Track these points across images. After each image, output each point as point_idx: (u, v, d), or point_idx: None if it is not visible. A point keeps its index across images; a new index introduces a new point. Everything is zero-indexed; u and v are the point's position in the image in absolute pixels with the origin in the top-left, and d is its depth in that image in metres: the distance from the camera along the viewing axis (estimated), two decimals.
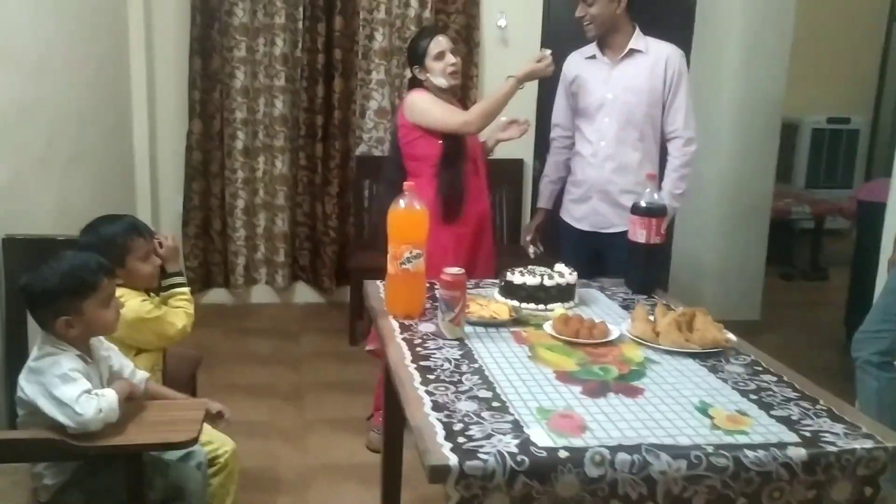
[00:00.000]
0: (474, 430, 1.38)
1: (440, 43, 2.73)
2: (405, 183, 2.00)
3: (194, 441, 1.63)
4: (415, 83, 2.81)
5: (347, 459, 2.88)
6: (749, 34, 4.11)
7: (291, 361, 3.75)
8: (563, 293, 2.14)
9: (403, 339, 1.86)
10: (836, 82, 6.92)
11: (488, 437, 1.36)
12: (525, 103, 3.97)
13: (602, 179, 2.77)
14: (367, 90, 4.20)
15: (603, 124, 2.75)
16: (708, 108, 3.99)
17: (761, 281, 4.50)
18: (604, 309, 2.16)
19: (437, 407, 1.48)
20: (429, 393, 1.55)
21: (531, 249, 2.96)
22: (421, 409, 1.47)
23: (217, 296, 4.40)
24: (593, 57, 2.80)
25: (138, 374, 1.82)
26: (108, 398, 1.57)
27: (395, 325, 1.96)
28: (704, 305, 2.26)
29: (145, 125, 3.98)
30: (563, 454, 1.31)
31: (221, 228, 4.26)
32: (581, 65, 2.83)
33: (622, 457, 1.32)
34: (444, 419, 1.43)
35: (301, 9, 4.07)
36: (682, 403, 1.54)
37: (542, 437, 1.37)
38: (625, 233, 2.74)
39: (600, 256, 2.84)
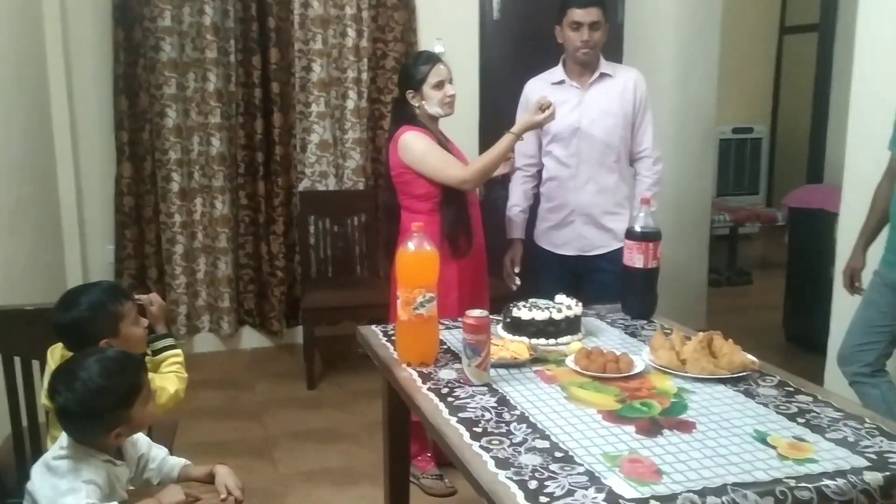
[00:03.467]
0: (552, 487, 1.31)
1: (440, 71, 2.62)
2: (414, 224, 1.90)
3: None
4: (400, 108, 2.69)
5: None
6: (681, 51, 4.23)
7: (251, 413, 3.55)
8: (572, 326, 2.09)
9: (429, 389, 1.76)
10: (738, 94, 7.27)
11: (570, 493, 1.29)
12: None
13: (585, 202, 2.77)
14: (307, 123, 4.06)
15: (581, 148, 2.76)
16: None
17: (705, 290, 4.63)
18: (611, 338, 2.13)
19: (500, 464, 1.40)
20: (484, 448, 1.46)
21: (517, 282, 2.91)
22: (486, 469, 1.38)
23: None
24: (561, 82, 2.80)
25: (170, 460, 1.65)
26: None
27: (415, 374, 1.85)
28: (656, 318, 2.28)
29: (70, 171, 3.71)
30: None
31: (158, 276, 4.01)
32: (547, 90, 2.80)
33: (712, 501, 1.27)
34: (515, 477, 1.34)
35: (233, 42, 3.90)
36: (739, 434, 1.52)
37: (623, 487, 1.31)
38: (607, 255, 2.76)
39: (581, 280, 2.83)
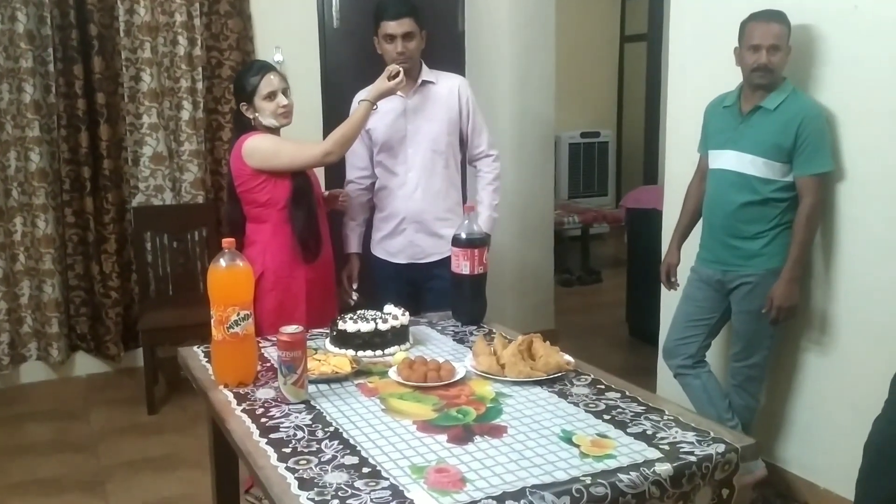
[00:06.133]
0: None
1: (271, 82, 2.55)
2: (225, 241, 1.83)
3: None
4: (239, 118, 2.64)
5: None
6: (517, 61, 4.35)
7: (83, 444, 3.32)
8: (399, 336, 2.09)
9: (244, 410, 1.70)
10: (584, 100, 7.58)
11: None
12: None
13: (415, 209, 2.78)
14: (139, 135, 3.86)
15: (408, 155, 2.77)
16: None
17: (552, 291, 4.76)
18: (439, 346, 2.14)
19: (304, 485, 1.36)
20: (290, 470, 1.42)
21: (355, 297, 2.88)
22: (288, 492, 1.34)
23: None
24: None
25: None
26: None
27: (230, 395, 1.79)
28: (506, 321, 2.34)
29: None
30: None
31: None
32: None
33: None
34: (317, 498, 1.31)
35: (51, 50, 3.65)
36: (546, 436, 1.55)
37: (426, 499, 1.30)
38: (441, 261, 2.78)
39: (418, 288, 2.83)
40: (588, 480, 1.36)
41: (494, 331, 2.22)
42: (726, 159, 2.64)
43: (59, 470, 3.11)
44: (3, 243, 3.71)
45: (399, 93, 2.71)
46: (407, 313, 2.14)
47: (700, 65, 3.06)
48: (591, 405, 1.70)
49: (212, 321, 1.83)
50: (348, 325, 2.05)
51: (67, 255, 3.84)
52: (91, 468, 3.12)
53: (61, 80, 3.69)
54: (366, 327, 2.04)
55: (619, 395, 1.76)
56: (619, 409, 1.67)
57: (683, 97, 3.15)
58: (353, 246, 2.91)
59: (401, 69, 2.61)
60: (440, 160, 2.78)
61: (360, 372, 1.90)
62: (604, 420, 1.62)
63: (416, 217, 2.79)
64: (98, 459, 3.20)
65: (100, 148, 3.76)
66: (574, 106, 7.25)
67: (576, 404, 1.71)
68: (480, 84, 4.14)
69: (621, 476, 1.37)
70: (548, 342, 1.94)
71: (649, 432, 1.55)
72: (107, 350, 3.93)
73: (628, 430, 1.56)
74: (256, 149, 2.54)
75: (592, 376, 1.88)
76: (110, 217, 3.83)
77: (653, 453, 1.46)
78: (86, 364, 4.02)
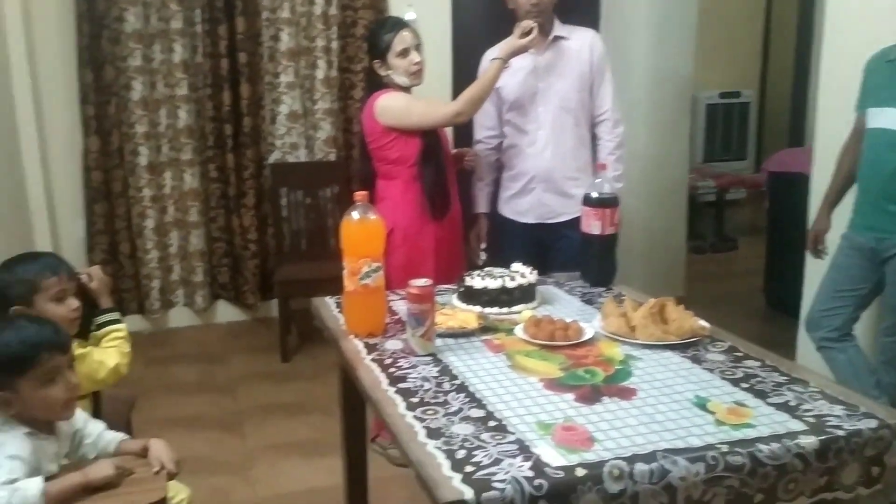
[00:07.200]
0: (480, 456, 1.28)
1: (405, 39, 2.58)
2: (358, 193, 1.86)
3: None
4: (373, 77, 2.68)
5: (299, 486, 2.72)
6: (656, 15, 4.16)
7: (224, 387, 3.54)
8: (526, 294, 2.06)
9: (373, 360, 1.74)
10: (725, 58, 7.16)
11: (497, 462, 1.27)
12: None
13: (545, 168, 2.73)
14: (276, 94, 4.00)
15: (538, 113, 2.71)
16: (621, 90, 3.99)
17: (683, 256, 4.59)
18: (566, 306, 2.10)
19: (431, 434, 1.37)
20: (418, 419, 1.44)
21: (483, 256, 2.88)
22: (416, 439, 1.36)
23: (131, 323, 4.02)
24: None
25: (107, 435, 1.63)
26: (23, 492, 1.36)
27: (360, 345, 1.83)
28: (634, 285, 2.25)
29: (35, 146, 3.65)
30: (580, 472, 1.23)
31: (131, 251, 3.97)
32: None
33: (640, 467, 1.25)
34: (444, 447, 1.32)
35: (199, 11, 3.83)
36: (679, 401, 1.49)
37: (553, 455, 1.29)
38: (570, 222, 2.72)
39: (546, 248, 2.79)
40: (725, 448, 1.30)
41: (624, 293, 2.16)
42: (887, 117, 2.42)
43: (203, 409, 3.32)
44: (155, 196, 3.96)
45: (531, 50, 2.65)
46: (535, 272, 2.11)
47: (860, 16, 2.81)
48: (727, 372, 1.62)
49: (344, 272, 1.87)
50: (476, 281, 2.05)
51: (210, 208, 4.05)
52: (230, 409, 3.32)
53: (207, 40, 3.86)
54: (493, 284, 2.03)
55: (758, 363, 1.67)
56: (759, 379, 1.58)
57: (841, 52, 2.91)
58: (482, 206, 2.90)
59: (534, 26, 2.54)
60: (570, 118, 2.71)
61: (487, 328, 1.90)
62: (741, 388, 1.54)
63: (545, 176, 2.74)
64: (236, 401, 3.39)
65: (240, 106, 3.92)
66: (714, 64, 6.85)
67: (710, 371, 1.63)
68: (615, 39, 4.00)
69: (761, 446, 1.30)
70: (682, 306, 1.86)
71: (792, 403, 1.46)
72: (245, 299, 4.14)
73: (769, 401, 1.48)
74: (388, 107, 2.56)
75: (729, 343, 1.79)
76: (249, 173, 4.00)
77: (796, 425, 1.37)
78: (226, 312, 4.25)
